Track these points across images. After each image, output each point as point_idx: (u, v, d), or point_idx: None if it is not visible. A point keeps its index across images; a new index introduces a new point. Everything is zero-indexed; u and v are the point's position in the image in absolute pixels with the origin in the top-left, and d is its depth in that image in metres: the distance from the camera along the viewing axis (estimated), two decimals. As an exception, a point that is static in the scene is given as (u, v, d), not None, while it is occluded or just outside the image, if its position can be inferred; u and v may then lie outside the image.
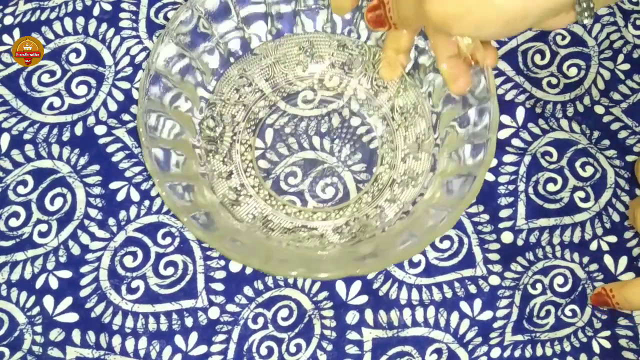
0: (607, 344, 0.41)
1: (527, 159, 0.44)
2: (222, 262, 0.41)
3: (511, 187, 0.43)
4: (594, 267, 0.42)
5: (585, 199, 0.43)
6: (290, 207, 0.42)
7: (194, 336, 0.40)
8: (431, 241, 0.38)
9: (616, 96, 0.46)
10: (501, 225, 0.42)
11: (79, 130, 0.44)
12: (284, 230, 0.41)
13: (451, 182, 0.39)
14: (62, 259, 0.41)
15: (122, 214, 0.42)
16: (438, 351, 0.40)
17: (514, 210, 0.43)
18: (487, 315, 0.40)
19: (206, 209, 0.39)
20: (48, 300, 0.40)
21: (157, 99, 0.40)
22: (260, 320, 0.40)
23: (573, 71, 0.46)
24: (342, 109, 0.45)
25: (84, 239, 0.41)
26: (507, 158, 0.44)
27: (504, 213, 0.43)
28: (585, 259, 0.42)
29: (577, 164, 0.44)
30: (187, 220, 0.36)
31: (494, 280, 0.41)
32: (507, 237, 0.42)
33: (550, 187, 0.43)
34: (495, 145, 0.38)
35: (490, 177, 0.43)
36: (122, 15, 0.47)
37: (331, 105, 0.45)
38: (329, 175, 0.43)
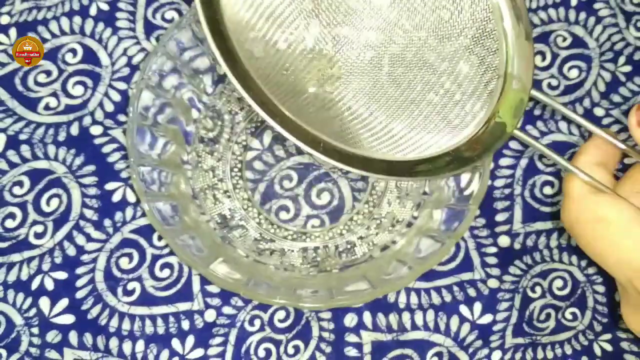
0: (608, 347, 0.40)
1: (523, 162, 0.44)
2: (219, 264, 0.41)
3: (507, 190, 0.43)
4: (592, 269, 0.42)
5: (585, 202, 0.43)
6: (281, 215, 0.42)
7: (190, 339, 0.39)
8: (383, 294, 0.37)
9: (616, 98, 0.46)
10: (497, 229, 0.42)
11: (74, 130, 0.44)
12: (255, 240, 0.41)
13: (421, 240, 0.39)
14: (58, 260, 0.41)
15: (118, 215, 0.42)
16: (439, 354, 0.40)
17: (510, 214, 0.42)
18: (487, 318, 0.40)
19: (194, 230, 0.39)
20: (44, 302, 0.40)
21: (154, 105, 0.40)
22: (257, 322, 0.40)
23: (574, 73, 0.46)
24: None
25: (80, 240, 0.41)
26: (503, 162, 0.44)
27: (500, 217, 0.42)
28: (584, 262, 0.42)
29: (576, 166, 0.44)
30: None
31: (493, 283, 0.41)
32: (504, 241, 0.42)
33: (547, 190, 0.43)
34: (473, 218, 0.36)
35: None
36: (119, 15, 0.46)
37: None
38: (323, 180, 0.43)
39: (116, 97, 0.44)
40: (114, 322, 0.40)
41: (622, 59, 0.47)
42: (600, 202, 0.26)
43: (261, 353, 0.39)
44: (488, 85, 0.30)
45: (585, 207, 0.26)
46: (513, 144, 0.44)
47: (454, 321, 0.40)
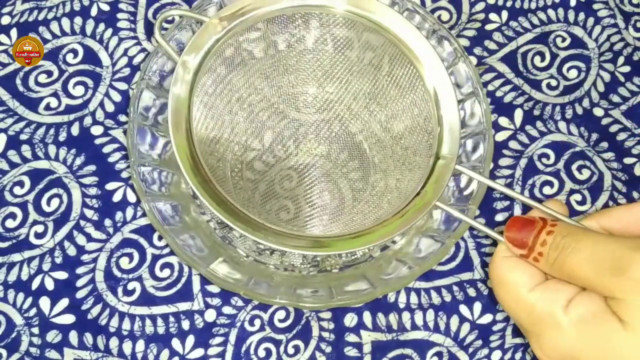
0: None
1: (523, 161, 0.44)
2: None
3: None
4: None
5: (582, 202, 0.43)
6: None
7: (190, 339, 0.39)
8: (383, 294, 0.37)
9: (615, 98, 0.46)
10: (497, 229, 0.42)
11: (75, 130, 0.44)
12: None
13: (421, 240, 0.39)
14: (58, 260, 0.41)
15: (119, 215, 0.42)
16: (439, 354, 0.40)
17: (509, 214, 0.43)
18: (487, 318, 0.40)
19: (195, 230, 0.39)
20: (44, 302, 0.40)
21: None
22: (257, 322, 0.40)
23: (573, 73, 0.46)
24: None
25: (80, 239, 0.41)
26: (503, 161, 0.44)
27: (499, 217, 0.43)
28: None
29: (574, 166, 0.44)
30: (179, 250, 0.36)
31: (493, 283, 0.41)
32: (504, 241, 0.42)
33: (547, 190, 0.43)
34: (473, 218, 0.36)
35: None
36: (120, 15, 0.46)
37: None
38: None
39: (117, 97, 0.45)
40: (114, 322, 0.40)
41: (621, 59, 0.47)
42: (505, 266, 0.29)
43: (261, 353, 0.39)
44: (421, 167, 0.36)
45: (497, 267, 0.29)
46: (513, 144, 0.44)
47: (454, 321, 0.40)
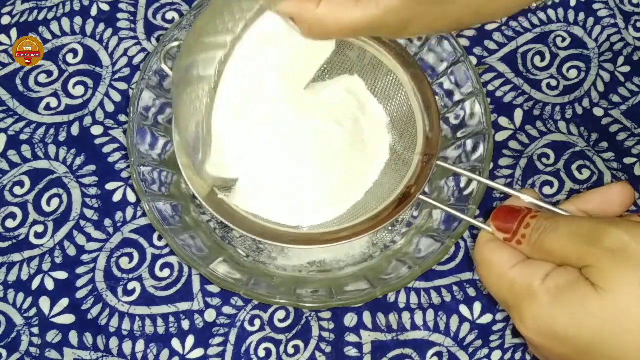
0: (605, 347, 0.40)
1: (523, 161, 0.44)
2: (220, 264, 0.41)
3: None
4: (592, 270, 0.42)
5: (584, 202, 0.43)
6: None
7: (190, 339, 0.39)
8: (383, 294, 0.37)
9: (616, 98, 0.46)
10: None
11: (75, 130, 0.44)
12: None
13: (421, 240, 0.39)
14: (58, 260, 0.41)
15: (119, 215, 0.42)
16: (439, 354, 0.40)
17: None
18: (487, 318, 0.40)
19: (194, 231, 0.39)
20: (44, 302, 0.40)
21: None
22: (257, 322, 0.40)
23: (573, 73, 0.46)
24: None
25: (80, 239, 0.41)
26: (503, 161, 0.44)
27: (502, 216, 0.42)
28: (584, 262, 0.42)
29: (574, 166, 0.44)
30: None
31: (493, 283, 0.41)
32: (505, 241, 0.42)
33: (547, 190, 0.43)
34: (472, 218, 0.36)
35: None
36: (120, 15, 0.46)
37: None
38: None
39: (117, 97, 0.45)
40: (114, 322, 0.40)
41: (621, 59, 0.47)
42: (489, 248, 0.30)
43: (261, 353, 0.39)
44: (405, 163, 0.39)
45: (481, 250, 0.30)
46: (513, 144, 0.44)
47: (454, 321, 0.40)
